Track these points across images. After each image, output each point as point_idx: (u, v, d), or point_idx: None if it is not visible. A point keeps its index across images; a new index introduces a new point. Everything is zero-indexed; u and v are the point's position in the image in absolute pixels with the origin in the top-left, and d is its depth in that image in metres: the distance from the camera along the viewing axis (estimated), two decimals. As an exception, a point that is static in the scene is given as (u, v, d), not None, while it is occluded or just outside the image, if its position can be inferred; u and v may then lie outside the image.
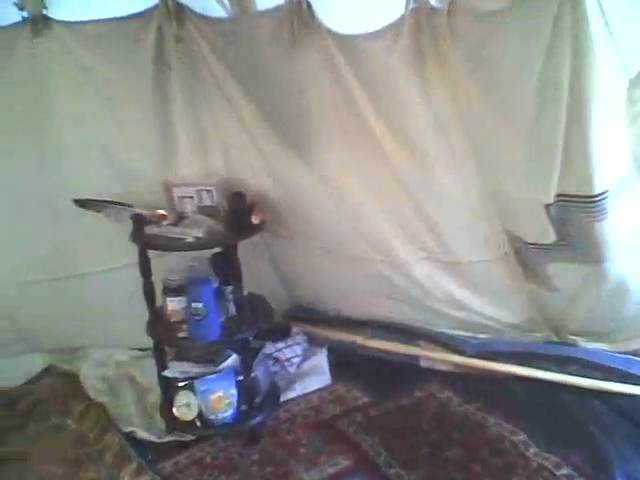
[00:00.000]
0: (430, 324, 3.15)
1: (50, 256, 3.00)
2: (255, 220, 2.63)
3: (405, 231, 2.82)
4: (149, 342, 2.81)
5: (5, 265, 3.02)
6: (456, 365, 3.04)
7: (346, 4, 2.22)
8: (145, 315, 2.74)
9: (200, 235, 2.52)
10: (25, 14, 2.40)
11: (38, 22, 2.40)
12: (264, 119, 2.62)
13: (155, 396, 2.96)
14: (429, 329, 3.16)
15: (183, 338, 2.65)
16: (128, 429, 2.81)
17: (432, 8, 2.11)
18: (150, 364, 2.95)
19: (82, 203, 2.71)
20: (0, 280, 3.05)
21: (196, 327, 2.58)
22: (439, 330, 3.15)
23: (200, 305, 2.53)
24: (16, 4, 2.34)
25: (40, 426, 2.93)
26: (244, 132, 2.72)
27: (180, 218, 2.70)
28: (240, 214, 2.61)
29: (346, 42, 2.30)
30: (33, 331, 3.31)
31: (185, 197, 2.74)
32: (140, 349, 3.36)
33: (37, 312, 3.19)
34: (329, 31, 2.31)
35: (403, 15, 2.13)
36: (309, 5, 2.27)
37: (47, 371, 3.36)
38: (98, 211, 2.71)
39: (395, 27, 2.18)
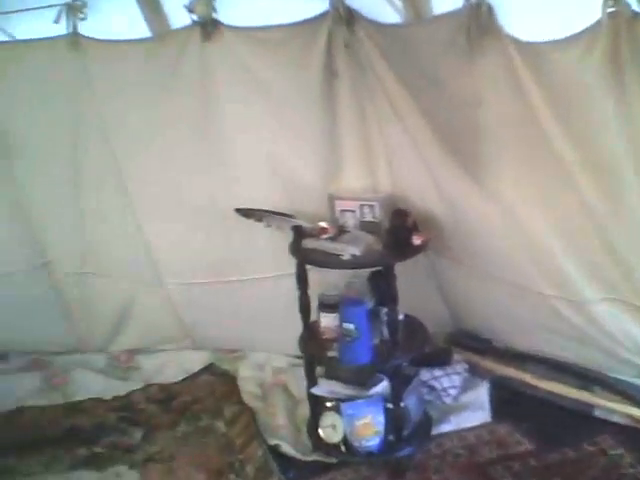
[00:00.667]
0: (609, 369, 2.76)
1: (218, 260, 3.06)
2: (416, 241, 2.45)
3: (586, 265, 2.47)
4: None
5: (176, 266, 3.12)
6: (636, 420, 2.64)
7: (531, 8, 1.95)
8: (302, 323, 2.64)
9: (357, 253, 2.39)
10: (195, 17, 2.41)
11: (207, 26, 2.39)
12: (433, 132, 2.42)
13: (306, 410, 2.86)
14: (607, 375, 2.77)
15: (332, 358, 2.54)
16: (274, 441, 2.75)
17: (635, 13, 1.79)
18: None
19: (244, 212, 2.69)
20: (169, 280, 3.16)
21: (346, 348, 2.46)
22: (619, 377, 2.75)
23: (351, 326, 2.40)
24: (186, 7, 2.35)
25: (191, 426, 2.96)
26: (411, 145, 2.54)
27: (340, 232, 2.60)
28: (401, 233, 2.45)
29: (530, 50, 2.02)
30: (197, 330, 3.40)
31: (347, 211, 2.63)
32: (297, 356, 3.27)
33: (202, 312, 3.27)
34: (511, 37, 2.05)
35: (599, 20, 1.83)
36: (490, 9, 2.03)
37: (207, 369, 3.41)
38: (259, 220, 2.67)
39: (589, 34, 1.86)
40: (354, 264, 2.42)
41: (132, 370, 3.49)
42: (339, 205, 2.64)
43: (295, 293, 2.62)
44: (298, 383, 3.11)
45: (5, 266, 3.14)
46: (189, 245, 3.02)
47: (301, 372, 3.08)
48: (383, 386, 2.59)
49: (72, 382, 3.36)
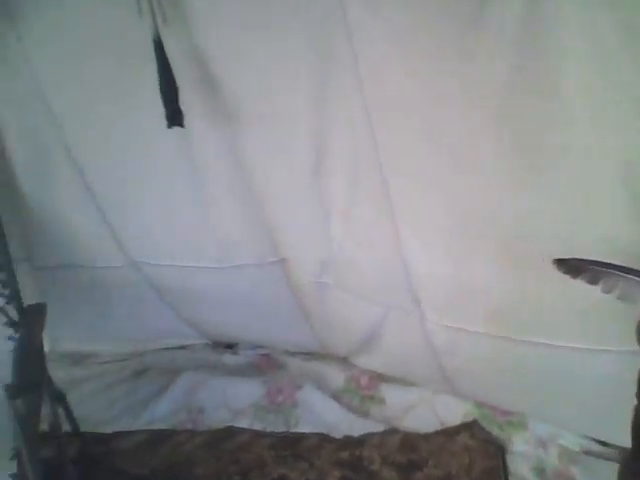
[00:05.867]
0: None
1: (507, 310, 2.05)
2: None
3: None
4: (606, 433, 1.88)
5: (441, 302, 2.21)
6: None
7: None
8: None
9: None
10: None
11: None
12: None
13: None
14: None
15: None
16: None
17: None
18: (603, 470, 1.96)
19: (568, 266, 1.59)
20: (431, 316, 2.26)
21: None
22: None
23: None
24: None
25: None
26: None
27: None
28: None
29: None
30: (459, 378, 2.50)
31: None
32: (599, 441, 2.29)
33: (470, 364, 2.35)
34: None
35: None
36: None
37: (468, 427, 2.50)
38: (593, 282, 1.56)
39: None
40: None
41: (374, 402, 2.73)
42: None
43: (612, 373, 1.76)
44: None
45: (234, 258, 2.48)
46: (464, 280, 2.03)
47: (600, 465, 2.14)
48: None
49: (298, 404, 2.70)
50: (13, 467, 1.86)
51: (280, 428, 2.62)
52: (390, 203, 1.99)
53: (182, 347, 3.07)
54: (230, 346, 3.09)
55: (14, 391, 1.78)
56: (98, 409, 2.72)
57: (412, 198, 1.97)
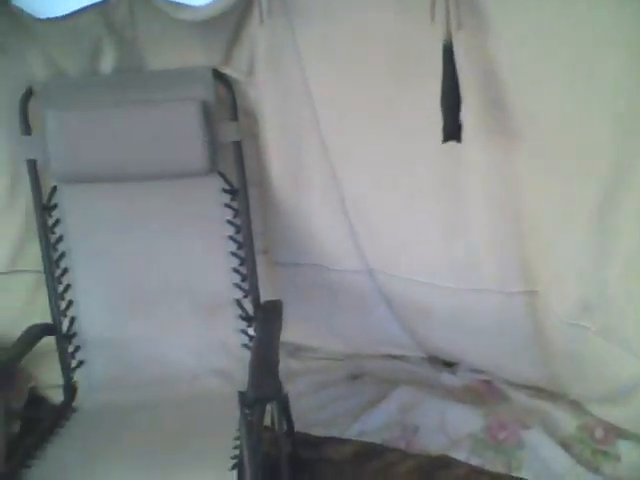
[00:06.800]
0: None
1: None
2: None
3: None
4: None
5: None
6: None
7: None
8: None
9: None
10: None
11: None
12: None
13: None
14: None
15: None
16: None
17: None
18: None
19: None
20: None
21: None
22: None
23: None
24: None
25: None
26: None
27: None
28: None
29: None
30: None
31: None
32: None
33: None
34: None
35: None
36: None
37: None
38: None
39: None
40: None
41: (607, 457, 2.40)
42: None
43: None
44: None
45: (477, 282, 2.30)
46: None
47: None
48: None
49: (525, 445, 2.45)
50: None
51: (498, 468, 2.40)
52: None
53: (398, 357, 2.94)
54: (448, 364, 2.91)
55: (249, 401, 1.74)
56: (311, 409, 2.66)
57: None
